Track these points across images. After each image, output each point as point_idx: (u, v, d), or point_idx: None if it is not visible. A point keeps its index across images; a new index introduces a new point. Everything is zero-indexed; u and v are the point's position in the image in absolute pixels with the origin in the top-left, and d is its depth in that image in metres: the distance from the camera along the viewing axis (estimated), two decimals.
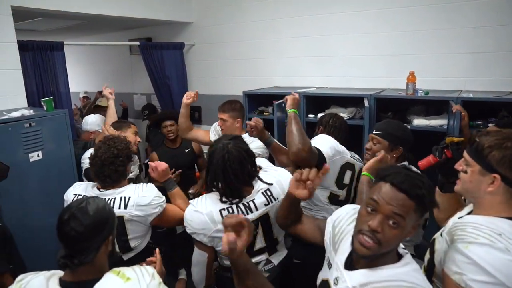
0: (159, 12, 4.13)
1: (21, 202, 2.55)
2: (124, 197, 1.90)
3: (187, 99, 2.85)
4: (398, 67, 3.33)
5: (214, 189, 1.72)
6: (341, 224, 1.34)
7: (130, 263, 1.58)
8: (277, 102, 2.91)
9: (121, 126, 2.70)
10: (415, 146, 2.14)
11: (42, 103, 2.82)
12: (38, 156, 2.65)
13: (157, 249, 1.65)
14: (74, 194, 1.99)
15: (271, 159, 2.43)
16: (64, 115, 2.83)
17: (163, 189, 2.06)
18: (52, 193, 2.71)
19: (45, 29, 4.92)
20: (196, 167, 3.70)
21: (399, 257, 1.16)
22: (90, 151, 2.46)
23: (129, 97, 5.50)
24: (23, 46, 3.04)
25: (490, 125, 2.65)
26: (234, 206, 1.70)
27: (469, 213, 1.30)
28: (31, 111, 2.72)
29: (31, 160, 2.61)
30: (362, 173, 1.83)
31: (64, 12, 3.30)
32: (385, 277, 1.09)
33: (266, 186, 1.74)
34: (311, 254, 1.62)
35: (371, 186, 1.22)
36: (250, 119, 2.19)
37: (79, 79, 6.29)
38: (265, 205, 1.72)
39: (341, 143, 2.18)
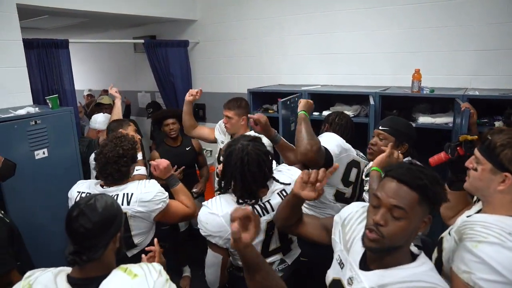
0: (163, 9, 4.13)
1: (27, 199, 2.57)
2: (127, 194, 1.90)
3: (189, 96, 2.85)
4: (403, 65, 3.32)
5: (229, 189, 1.70)
6: (351, 223, 1.33)
7: (134, 259, 1.58)
8: (284, 99, 2.90)
9: (121, 125, 2.70)
10: (421, 144, 2.14)
11: (47, 101, 2.83)
12: (44, 153, 2.66)
13: (155, 239, 1.65)
14: (78, 192, 2.00)
15: (277, 157, 2.43)
16: (69, 113, 2.84)
17: (166, 186, 2.07)
18: (58, 190, 2.71)
19: (49, 27, 4.93)
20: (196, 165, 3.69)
21: (413, 256, 1.16)
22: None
23: (133, 95, 5.51)
24: (28, 44, 3.05)
25: (496, 123, 2.64)
26: (250, 208, 1.68)
27: (478, 212, 1.29)
28: (37, 108, 2.73)
29: (36, 157, 2.62)
30: (372, 168, 1.81)
31: (68, 10, 3.30)
32: (403, 278, 1.08)
33: (281, 187, 1.72)
34: (317, 251, 1.61)
35: (380, 181, 1.22)
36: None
37: (84, 77, 6.31)
38: None
39: (347, 141, 2.18)
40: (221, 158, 1.77)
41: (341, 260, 1.29)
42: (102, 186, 1.98)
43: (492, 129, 1.28)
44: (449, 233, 1.29)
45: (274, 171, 1.77)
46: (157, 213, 1.94)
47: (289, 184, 1.73)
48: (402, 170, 1.11)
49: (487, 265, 1.04)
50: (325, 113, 3.20)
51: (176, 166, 2.49)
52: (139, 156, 2.24)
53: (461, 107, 2.27)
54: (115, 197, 1.89)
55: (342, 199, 2.18)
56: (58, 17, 4.02)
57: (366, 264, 1.18)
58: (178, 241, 3.34)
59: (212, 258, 1.71)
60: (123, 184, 1.96)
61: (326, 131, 2.34)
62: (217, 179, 2.08)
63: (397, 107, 3.15)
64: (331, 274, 1.33)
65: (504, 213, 1.16)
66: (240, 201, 1.67)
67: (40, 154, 2.64)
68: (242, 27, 4.25)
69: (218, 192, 1.77)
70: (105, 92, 5.25)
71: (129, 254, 1.97)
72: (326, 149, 1.92)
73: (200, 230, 1.69)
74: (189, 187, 3.20)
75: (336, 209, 2.07)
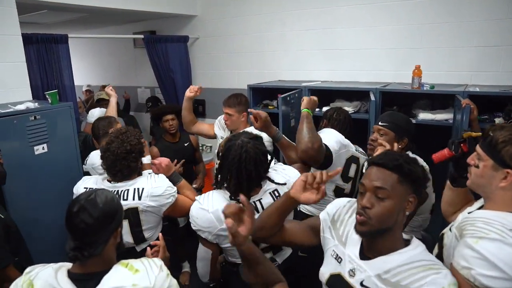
0: (163, 5, 4.11)
1: (26, 195, 2.56)
2: (138, 188, 1.91)
3: (190, 92, 2.84)
4: (404, 61, 3.32)
5: (224, 185, 1.70)
6: (341, 218, 1.37)
7: (143, 254, 1.59)
8: (284, 95, 2.90)
9: (111, 123, 2.67)
10: (421, 140, 2.14)
11: (47, 96, 2.82)
12: (43, 149, 2.65)
13: (160, 234, 1.65)
14: (85, 188, 1.98)
15: (277, 154, 2.43)
16: (69, 108, 2.83)
17: None
18: (58, 185, 2.72)
19: (49, 22, 4.91)
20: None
21: (406, 242, 1.22)
22: (94, 154, 2.44)
23: (133, 91, 5.50)
24: (27, 39, 3.03)
25: (496, 119, 2.64)
26: (240, 205, 1.68)
27: (479, 208, 1.29)
28: (36, 104, 2.72)
29: (36, 153, 2.61)
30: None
31: (67, 5, 3.28)
32: (404, 261, 1.14)
33: (274, 187, 1.71)
34: (317, 247, 1.61)
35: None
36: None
37: (83, 73, 6.29)
38: None
39: (345, 137, 2.18)
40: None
41: (337, 254, 1.31)
42: (109, 181, 1.98)
43: (494, 125, 1.28)
44: (450, 229, 1.29)
45: (270, 170, 1.75)
46: (167, 207, 1.96)
47: (284, 184, 1.71)
48: (380, 156, 1.23)
49: (488, 261, 1.04)
50: (325, 109, 3.19)
51: (176, 160, 2.50)
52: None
53: (461, 103, 2.27)
54: (126, 192, 1.90)
55: (342, 194, 2.18)
56: (57, 12, 4.00)
57: (364, 254, 1.23)
58: (177, 237, 3.35)
59: (202, 253, 1.72)
60: (132, 179, 1.96)
61: (324, 127, 2.35)
62: None
63: (397, 103, 3.14)
64: (327, 270, 1.33)
65: (506, 209, 1.16)
66: (232, 198, 1.66)
67: (40, 149, 2.63)
68: (242, 22, 4.23)
69: (214, 187, 1.77)
70: (104, 87, 5.24)
71: (138, 248, 1.99)
72: (325, 145, 1.92)
73: (191, 224, 1.70)
74: (188, 183, 3.20)
75: None
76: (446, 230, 1.33)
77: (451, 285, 1.06)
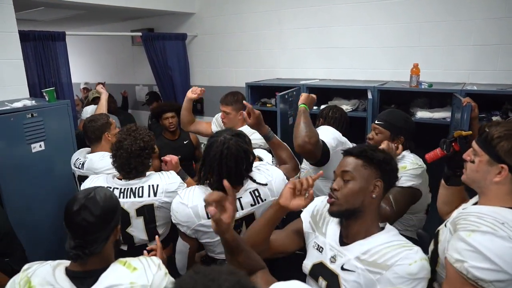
0: (161, 2, 4.10)
1: (23, 193, 2.56)
2: (152, 185, 1.91)
3: (192, 93, 2.81)
4: (402, 59, 3.32)
5: (206, 182, 1.68)
6: (320, 212, 1.49)
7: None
8: (282, 93, 2.89)
9: (104, 126, 2.58)
10: (418, 138, 2.14)
11: (44, 94, 2.81)
12: (41, 147, 2.64)
13: (156, 236, 1.66)
14: (110, 190, 1.95)
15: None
16: (66, 106, 2.82)
17: None
18: (55, 183, 2.71)
19: (46, 19, 4.89)
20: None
21: (381, 230, 1.34)
22: (94, 158, 2.37)
23: (131, 88, 5.49)
24: (24, 36, 3.02)
25: (493, 118, 2.64)
26: (222, 194, 1.65)
27: (474, 204, 1.30)
28: (33, 101, 2.71)
29: (33, 150, 2.60)
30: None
31: (65, 2, 3.28)
32: (379, 242, 1.26)
33: (255, 186, 1.69)
34: None
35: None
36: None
37: (81, 70, 6.27)
38: (251, 205, 1.67)
39: (342, 134, 2.19)
40: None
41: (318, 245, 1.41)
42: (120, 179, 1.96)
43: (490, 122, 1.29)
44: (445, 225, 1.31)
45: (254, 169, 1.73)
46: None
47: (265, 184, 1.69)
48: (350, 148, 1.40)
49: (480, 253, 1.05)
50: (323, 107, 3.19)
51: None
52: None
53: (462, 102, 2.27)
54: (140, 189, 1.90)
55: None
56: (54, 9, 3.98)
57: (343, 242, 1.34)
58: (176, 235, 3.35)
59: (180, 246, 1.72)
60: (144, 176, 1.96)
61: (320, 125, 2.35)
62: None
63: (395, 101, 3.15)
64: (309, 262, 1.42)
65: (498, 204, 1.18)
66: None
67: (37, 147, 2.62)
68: (240, 20, 4.22)
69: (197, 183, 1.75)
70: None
71: (150, 245, 1.97)
72: (323, 141, 1.92)
73: (171, 217, 1.70)
74: None
75: None
76: (441, 226, 1.35)
77: (422, 260, 1.18)
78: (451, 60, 3.16)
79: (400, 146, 1.99)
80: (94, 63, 6.22)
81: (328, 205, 1.37)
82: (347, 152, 1.37)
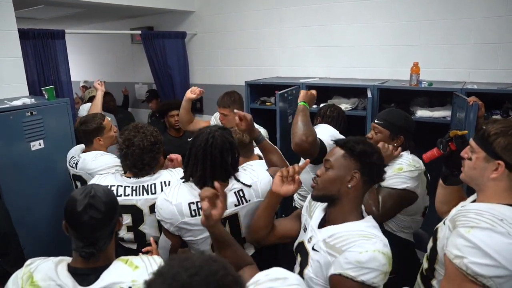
0: (161, 0, 4.09)
1: (22, 191, 2.56)
2: (164, 182, 1.91)
3: (191, 93, 2.81)
4: (402, 58, 3.31)
5: (191, 178, 1.67)
6: None
7: None
8: (281, 92, 2.89)
9: (98, 129, 2.60)
10: (418, 138, 2.13)
11: (44, 92, 2.81)
12: (40, 145, 2.64)
13: (151, 238, 1.66)
14: (106, 186, 1.94)
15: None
16: (65, 104, 2.82)
17: None
18: (54, 181, 2.71)
19: (45, 17, 4.88)
20: None
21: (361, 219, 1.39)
22: (87, 158, 2.31)
23: (130, 87, 5.48)
24: (23, 34, 3.01)
25: (494, 117, 2.64)
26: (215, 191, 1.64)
27: (472, 202, 1.31)
28: (33, 99, 2.71)
29: (32, 149, 2.60)
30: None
31: (64, 0, 3.26)
32: (347, 229, 1.31)
33: (240, 186, 1.68)
34: None
35: None
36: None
37: (80, 68, 6.26)
38: (235, 205, 1.66)
39: (340, 133, 2.19)
40: None
41: (305, 226, 1.51)
42: (129, 177, 1.94)
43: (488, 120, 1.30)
44: (444, 223, 1.31)
45: (240, 169, 1.73)
46: None
47: (249, 186, 1.68)
48: (338, 139, 1.46)
49: (480, 249, 1.06)
50: (322, 105, 3.19)
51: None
52: None
53: (468, 101, 2.26)
54: (153, 186, 1.90)
55: None
56: (53, 7, 3.97)
57: (323, 225, 1.41)
58: None
59: (163, 242, 1.72)
60: (154, 173, 1.95)
61: (318, 123, 2.36)
62: None
63: (395, 100, 3.14)
64: (297, 240, 1.53)
65: (497, 201, 1.18)
66: (196, 190, 1.63)
67: (36, 145, 2.62)
68: (240, 18, 4.22)
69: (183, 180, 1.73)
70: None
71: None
72: (320, 140, 1.92)
73: (155, 213, 1.70)
74: None
75: None
76: (440, 224, 1.36)
77: (375, 251, 1.20)
78: (451, 58, 3.16)
79: (399, 148, 1.98)
80: (93, 61, 6.21)
81: None
82: (334, 142, 1.45)
